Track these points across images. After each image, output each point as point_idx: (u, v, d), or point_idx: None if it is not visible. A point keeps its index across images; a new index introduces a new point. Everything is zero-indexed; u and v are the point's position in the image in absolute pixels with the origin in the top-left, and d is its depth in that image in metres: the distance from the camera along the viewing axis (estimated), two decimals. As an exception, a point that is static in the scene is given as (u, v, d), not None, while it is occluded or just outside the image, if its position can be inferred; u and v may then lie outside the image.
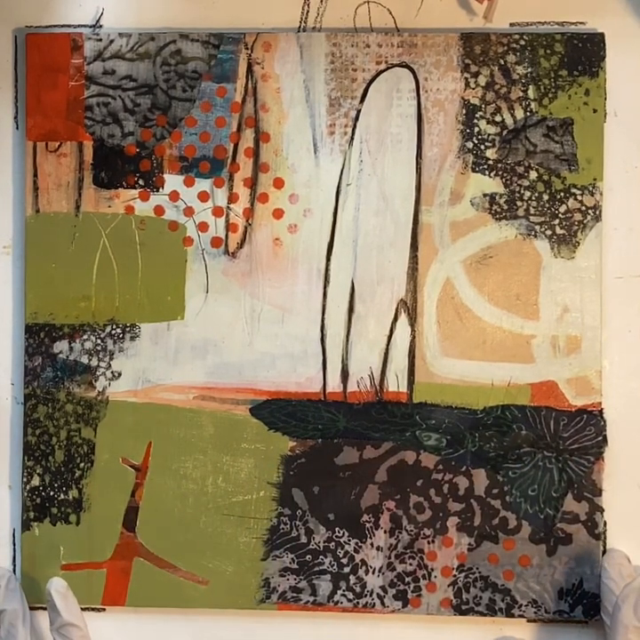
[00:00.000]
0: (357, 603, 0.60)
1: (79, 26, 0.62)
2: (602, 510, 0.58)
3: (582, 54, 0.59)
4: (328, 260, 0.60)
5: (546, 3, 0.60)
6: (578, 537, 0.59)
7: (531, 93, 0.59)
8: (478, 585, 0.59)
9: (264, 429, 0.60)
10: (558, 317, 0.59)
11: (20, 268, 0.62)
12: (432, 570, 0.59)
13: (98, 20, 0.62)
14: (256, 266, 0.60)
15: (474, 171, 0.60)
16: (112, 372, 0.61)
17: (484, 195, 0.60)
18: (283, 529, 0.60)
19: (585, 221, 0.59)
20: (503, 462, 0.59)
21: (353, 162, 0.60)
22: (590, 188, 0.59)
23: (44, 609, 0.61)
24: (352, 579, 0.60)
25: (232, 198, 0.61)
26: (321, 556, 0.60)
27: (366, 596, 0.59)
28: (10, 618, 0.57)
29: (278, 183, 0.60)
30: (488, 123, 0.60)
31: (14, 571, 0.62)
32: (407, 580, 0.59)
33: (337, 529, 0.60)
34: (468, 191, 0.60)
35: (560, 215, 0.59)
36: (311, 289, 0.60)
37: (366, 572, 0.59)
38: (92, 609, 0.61)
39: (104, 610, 0.61)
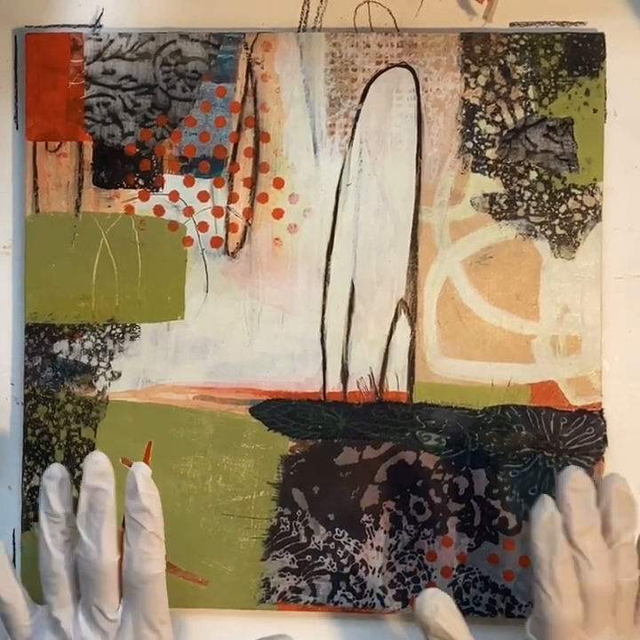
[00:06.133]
0: (357, 603, 0.60)
1: (79, 26, 0.62)
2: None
3: (582, 54, 0.59)
4: (328, 259, 0.60)
5: (546, 3, 0.60)
6: (578, 537, 0.59)
7: (531, 93, 0.59)
8: (478, 585, 0.59)
9: (264, 429, 0.60)
10: (558, 317, 0.59)
11: (19, 268, 0.62)
12: (432, 570, 0.59)
13: (98, 20, 0.62)
14: (256, 266, 0.60)
15: (474, 171, 0.60)
16: (112, 372, 0.61)
17: (484, 195, 0.60)
18: (283, 529, 0.60)
19: (585, 221, 0.59)
20: (503, 462, 0.59)
21: (353, 162, 0.60)
22: (590, 188, 0.59)
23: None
24: (352, 579, 0.60)
25: (232, 198, 0.61)
26: (321, 557, 0.60)
27: (366, 596, 0.59)
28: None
29: (278, 183, 0.60)
30: (488, 123, 0.60)
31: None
32: (407, 580, 0.59)
33: (337, 529, 0.60)
34: (468, 191, 0.60)
35: (560, 215, 0.59)
36: (311, 289, 0.60)
37: (366, 573, 0.59)
38: (92, 609, 0.61)
39: (104, 610, 0.61)
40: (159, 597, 0.52)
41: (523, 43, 0.59)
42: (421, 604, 0.51)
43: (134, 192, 0.61)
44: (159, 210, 0.61)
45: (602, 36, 0.59)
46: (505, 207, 0.60)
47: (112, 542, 0.52)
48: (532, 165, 0.59)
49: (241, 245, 0.61)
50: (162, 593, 0.52)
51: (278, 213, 0.60)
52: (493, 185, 0.60)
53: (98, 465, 0.52)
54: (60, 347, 0.61)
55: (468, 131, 0.60)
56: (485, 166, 0.60)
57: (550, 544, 0.49)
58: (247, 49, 0.60)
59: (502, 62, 0.59)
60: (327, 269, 0.60)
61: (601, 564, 0.49)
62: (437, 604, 0.50)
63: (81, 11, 0.62)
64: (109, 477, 0.52)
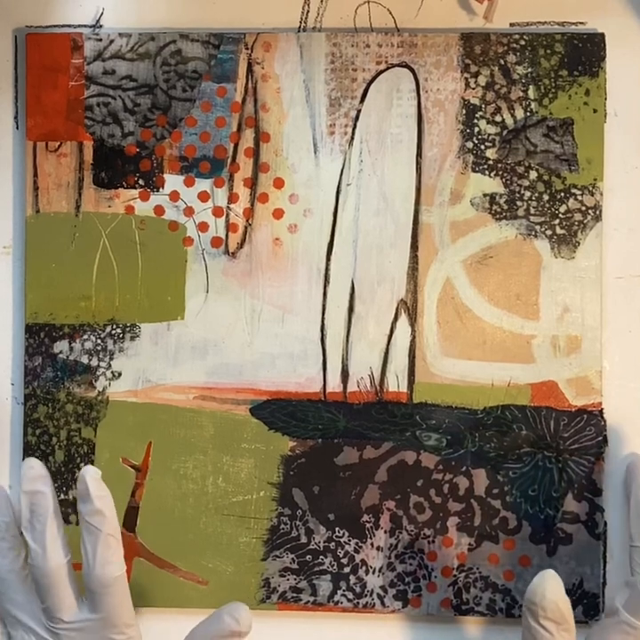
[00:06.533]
0: (357, 603, 0.60)
1: (79, 26, 0.62)
2: (602, 510, 0.58)
3: (582, 54, 0.59)
4: (328, 260, 0.60)
5: (546, 3, 0.60)
6: (578, 537, 0.59)
7: (531, 93, 0.59)
8: (478, 585, 0.59)
9: (264, 429, 0.60)
10: (558, 317, 0.59)
11: (20, 268, 0.62)
12: (432, 570, 0.59)
13: (98, 20, 0.62)
14: (256, 266, 0.60)
15: (474, 171, 0.60)
16: (112, 372, 0.61)
17: (484, 195, 0.60)
18: (283, 529, 0.60)
19: (585, 221, 0.59)
20: (503, 462, 0.59)
21: (353, 162, 0.60)
22: (590, 188, 0.59)
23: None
24: (352, 579, 0.60)
25: (232, 198, 0.61)
26: (321, 556, 0.60)
27: (366, 595, 0.59)
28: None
29: (278, 183, 0.60)
30: (488, 123, 0.60)
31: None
32: (407, 580, 0.59)
33: (337, 529, 0.60)
34: (468, 191, 0.60)
35: (560, 215, 0.59)
36: (311, 289, 0.60)
37: (366, 572, 0.59)
38: (92, 609, 0.61)
39: (104, 610, 0.61)
40: (123, 599, 0.52)
41: (523, 43, 0.59)
42: (542, 585, 0.49)
43: (134, 192, 0.61)
44: (159, 210, 0.61)
45: (602, 36, 0.59)
46: (505, 207, 0.60)
47: (58, 544, 0.52)
48: (532, 165, 0.59)
49: (241, 245, 0.61)
50: (125, 595, 0.52)
51: (278, 213, 0.60)
52: (493, 185, 0.60)
53: (33, 469, 0.53)
54: (61, 347, 0.61)
55: (468, 131, 0.60)
56: (485, 166, 0.60)
57: None
58: (247, 49, 0.60)
59: (502, 62, 0.59)
60: (327, 269, 0.60)
61: None
62: (557, 586, 0.49)
63: (81, 11, 0.62)
64: (46, 480, 0.53)
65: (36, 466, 0.53)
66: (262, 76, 0.60)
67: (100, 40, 0.60)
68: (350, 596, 0.59)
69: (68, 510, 0.60)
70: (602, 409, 0.59)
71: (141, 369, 0.61)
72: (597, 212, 0.59)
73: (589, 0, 0.60)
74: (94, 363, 0.61)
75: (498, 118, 0.60)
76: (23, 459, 0.61)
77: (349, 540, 0.60)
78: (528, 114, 0.59)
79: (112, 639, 0.52)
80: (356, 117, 0.60)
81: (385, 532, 0.59)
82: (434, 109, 0.60)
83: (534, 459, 0.59)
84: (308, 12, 0.61)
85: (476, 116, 0.60)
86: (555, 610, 0.49)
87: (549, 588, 0.49)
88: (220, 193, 0.61)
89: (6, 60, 0.62)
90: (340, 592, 0.59)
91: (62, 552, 0.52)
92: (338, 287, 0.60)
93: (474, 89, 0.60)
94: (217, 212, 0.61)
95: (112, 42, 0.60)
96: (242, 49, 0.60)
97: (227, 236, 0.61)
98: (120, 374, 0.61)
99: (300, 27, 0.61)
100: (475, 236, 0.60)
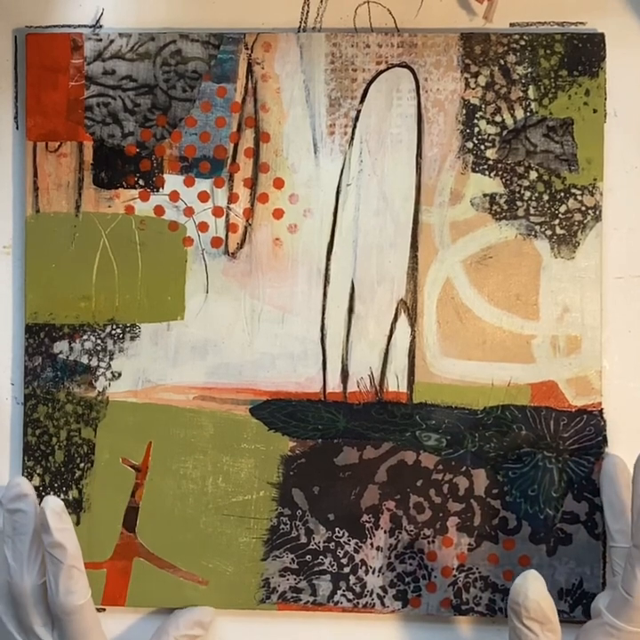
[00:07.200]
0: (357, 603, 0.60)
1: (79, 26, 0.62)
2: (602, 510, 0.58)
3: (582, 54, 0.59)
4: (328, 260, 0.60)
5: (546, 3, 0.60)
6: (578, 537, 0.59)
7: (531, 93, 0.59)
8: (478, 585, 0.59)
9: (264, 429, 0.60)
10: (558, 317, 0.59)
11: (20, 268, 0.62)
12: (432, 570, 0.59)
13: (98, 21, 0.62)
14: (256, 266, 0.60)
15: (474, 171, 0.60)
16: (112, 373, 0.61)
17: (484, 195, 0.60)
18: (283, 529, 0.60)
19: (585, 221, 0.59)
20: (503, 462, 0.59)
21: (353, 162, 0.60)
22: (590, 188, 0.59)
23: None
24: (352, 579, 0.60)
25: (232, 198, 0.61)
26: (321, 556, 0.60)
27: (366, 596, 0.59)
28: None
29: (278, 183, 0.60)
30: (488, 123, 0.60)
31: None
32: (407, 580, 0.59)
33: (337, 529, 0.60)
34: (468, 191, 0.60)
35: (560, 215, 0.59)
36: (311, 289, 0.60)
37: (366, 572, 0.59)
38: (92, 609, 0.61)
39: (104, 610, 0.61)
40: (87, 626, 0.53)
41: (523, 43, 0.59)
42: (524, 586, 0.49)
43: (134, 192, 0.61)
44: (159, 210, 0.61)
45: (602, 36, 0.59)
46: (505, 207, 0.60)
47: (36, 564, 0.53)
48: (532, 165, 0.59)
49: (241, 245, 0.61)
50: (89, 621, 0.53)
51: (278, 213, 0.60)
52: (493, 185, 0.60)
53: (17, 488, 0.53)
54: (61, 347, 0.61)
55: (468, 131, 0.60)
56: (485, 166, 0.60)
57: None
58: (247, 49, 0.60)
59: (502, 62, 0.59)
60: (327, 269, 0.60)
61: None
62: (539, 586, 0.50)
63: (81, 11, 0.62)
64: (29, 499, 0.53)
65: (20, 484, 0.54)
66: (262, 76, 0.60)
67: (100, 40, 0.60)
68: (350, 595, 0.59)
69: (68, 510, 0.60)
70: (602, 409, 0.59)
71: (141, 369, 0.61)
72: (597, 212, 0.59)
73: (589, 0, 0.60)
74: (94, 363, 0.61)
75: (498, 118, 0.60)
76: (23, 458, 0.61)
77: (349, 540, 0.60)
78: (528, 114, 0.59)
79: None
80: (356, 117, 0.60)
81: (385, 532, 0.59)
82: (434, 109, 0.60)
83: (534, 459, 0.59)
84: (308, 12, 0.61)
85: (476, 116, 0.60)
86: (537, 609, 0.49)
87: (532, 588, 0.49)
88: (219, 193, 0.61)
89: (6, 59, 0.62)
90: (339, 592, 0.60)
91: (38, 575, 0.54)
92: (338, 287, 0.60)
93: (474, 89, 0.60)
94: (217, 212, 0.61)
95: (112, 42, 0.60)
96: (242, 49, 0.60)
97: (227, 236, 0.61)
98: (120, 374, 0.61)
99: (299, 27, 0.61)
100: (475, 235, 0.60)
